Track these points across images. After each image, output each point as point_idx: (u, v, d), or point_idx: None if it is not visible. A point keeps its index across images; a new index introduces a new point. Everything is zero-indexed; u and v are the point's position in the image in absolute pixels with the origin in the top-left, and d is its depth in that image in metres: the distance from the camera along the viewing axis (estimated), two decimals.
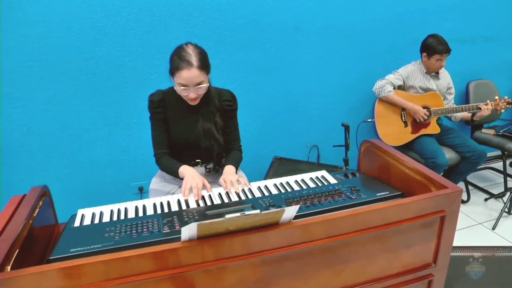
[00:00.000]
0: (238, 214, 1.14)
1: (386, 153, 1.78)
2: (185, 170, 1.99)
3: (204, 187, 1.82)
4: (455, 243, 1.66)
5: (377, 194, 1.58)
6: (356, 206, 1.51)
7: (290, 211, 1.22)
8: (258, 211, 1.16)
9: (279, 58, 3.36)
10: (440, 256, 1.53)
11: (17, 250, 1.23)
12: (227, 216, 1.13)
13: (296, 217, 1.30)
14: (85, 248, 1.31)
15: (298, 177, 1.89)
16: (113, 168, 3.22)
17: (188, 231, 1.15)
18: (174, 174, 2.06)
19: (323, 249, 1.34)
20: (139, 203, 1.70)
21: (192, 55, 1.88)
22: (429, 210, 1.43)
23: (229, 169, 2.04)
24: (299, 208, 1.44)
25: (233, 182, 1.84)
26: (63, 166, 3.11)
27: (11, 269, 1.16)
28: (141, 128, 3.12)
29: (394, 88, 3.37)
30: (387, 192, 1.59)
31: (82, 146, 3.10)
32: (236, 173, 2.08)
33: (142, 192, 3.29)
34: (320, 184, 1.78)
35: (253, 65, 3.28)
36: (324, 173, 1.91)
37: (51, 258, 1.28)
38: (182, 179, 1.97)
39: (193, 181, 1.81)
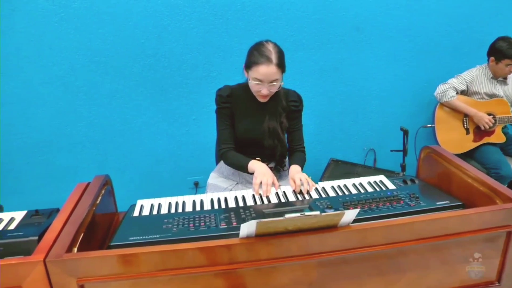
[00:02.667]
0: (298, 214, 1.13)
1: (447, 160, 1.72)
2: (255, 165, 1.99)
3: (272, 184, 1.83)
4: None
5: (437, 203, 1.54)
6: (414, 214, 1.48)
7: (349, 215, 1.20)
8: (317, 212, 1.15)
9: (340, 58, 3.32)
10: (505, 275, 1.45)
11: (82, 234, 1.30)
12: (287, 215, 1.13)
13: (353, 221, 1.28)
14: (144, 237, 1.36)
15: (356, 180, 1.87)
16: (170, 162, 3.31)
17: (247, 228, 1.16)
18: (242, 168, 2.06)
19: (380, 255, 1.31)
20: (197, 198, 1.74)
21: (272, 52, 1.90)
22: (494, 224, 1.36)
23: (296, 168, 2.03)
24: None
25: (307, 180, 1.83)
26: (122, 158, 3.24)
27: (77, 251, 1.23)
28: (199, 125, 3.19)
29: (457, 93, 3.24)
30: (448, 202, 1.54)
31: (141, 139, 3.20)
32: None
33: (197, 187, 3.36)
34: (378, 189, 1.75)
35: (313, 65, 3.27)
36: (382, 178, 1.87)
37: (111, 244, 1.34)
38: (250, 173, 1.98)
39: (263, 177, 1.82)
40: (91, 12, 2.87)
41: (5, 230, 1.50)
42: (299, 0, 3.09)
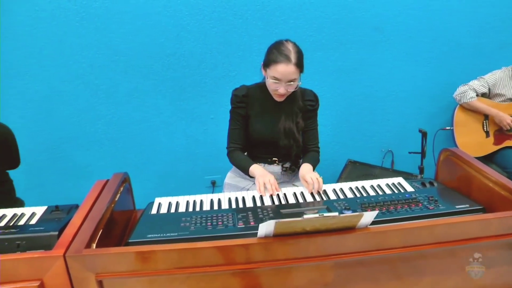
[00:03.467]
0: (316, 215, 1.13)
1: (467, 163, 1.69)
2: (256, 169, 2.01)
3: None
4: None
5: (457, 207, 1.51)
6: (433, 217, 1.46)
7: (368, 216, 1.20)
8: (336, 213, 1.15)
9: (358, 59, 3.30)
10: None
11: (101, 230, 1.32)
12: (305, 216, 1.13)
13: (371, 223, 1.27)
14: (162, 235, 1.37)
15: (374, 182, 1.85)
16: (188, 161, 3.33)
17: (266, 228, 1.16)
18: (244, 170, 2.08)
19: (397, 258, 1.30)
20: (214, 197, 1.74)
21: (291, 52, 1.90)
22: None
23: (307, 167, 2.02)
24: None
25: (318, 179, 1.81)
26: (140, 156, 3.27)
27: (96, 247, 1.25)
28: (217, 124, 3.20)
29: (476, 95, 3.19)
30: (467, 205, 1.52)
31: (159, 138, 3.23)
32: None
33: (214, 186, 3.37)
34: (396, 191, 1.74)
35: (332, 65, 3.25)
36: (400, 180, 1.85)
37: (129, 241, 1.36)
38: (251, 177, 2.00)
39: (265, 178, 1.83)
40: (111, 12, 2.91)
41: (26, 225, 1.54)
42: (318, 0, 3.08)
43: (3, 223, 1.59)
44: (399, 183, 1.82)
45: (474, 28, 3.40)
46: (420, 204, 1.54)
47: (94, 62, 3.01)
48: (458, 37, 3.40)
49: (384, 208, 1.52)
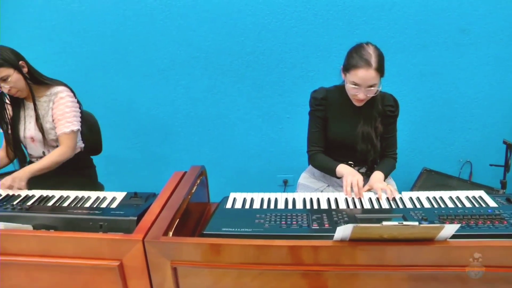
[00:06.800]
0: (396, 222, 1.11)
1: None
2: (344, 168, 1.98)
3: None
4: None
5: None
6: None
7: (449, 229, 1.15)
8: (416, 223, 1.12)
9: (441, 62, 3.15)
10: None
11: (177, 220, 1.38)
12: (384, 223, 1.11)
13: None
14: (236, 229, 1.40)
15: (453, 193, 1.77)
16: (261, 159, 3.37)
17: (343, 231, 1.15)
18: (330, 171, 2.05)
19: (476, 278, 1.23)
20: (289, 196, 1.75)
21: (372, 56, 1.85)
22: None
23: (377, 176, 1.97)
24: None
25: (384, 189, 1.78)
26: (215, 150, 3.36)
27: (172, 235, 1.30)
28: (293, 123, 3.22)
29: None
30: None
31: (235, 134, 3.30)
32: (385, 180, 2.00)
33: (286, 185, 3.39)
34: (477, 205, 1.64)
35: (412, 69, 3.14)
36: (482, 193, 1.75)
37: (204, 232, 1.40)
38: (338, 177, 1.98)
39: (353, 177, 1.80)
40: (194, 11, 3.01)
41: (108, 208, 1.67)
42: (401, 0, 2.99)
43: (88, 204, 1.74)
44: (480, 197, 1.72)
45: None
46: (505, 222, 1.44)
47: (175, 58, 3.14)
48: None
49: (464, 222, 1.44)
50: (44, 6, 3.09)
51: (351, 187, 1.78)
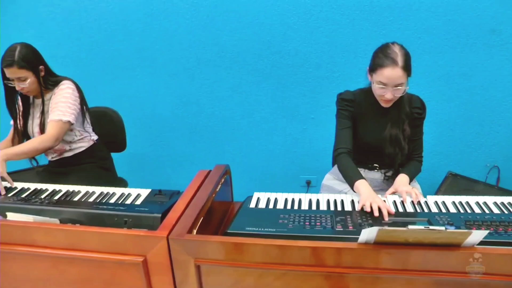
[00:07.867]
0: (422, 226, 1.09)
1: None
2: (362, 187, 1.77)
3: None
4: None
5: None
6: None
7: (477, 235, 1.12)
8: (443, 228, 1.10)
9: (469, 64, 3.08)
10: None
11: (202, 218, 1.39)
12: (410, 226, 1.10)
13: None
14: (260, 229, 1.41)
15: (480, 198, 1.73)
16: (285, 159, 3.37)
17: (368, 234, 1.15)
18: (350, 181, 1.90)
19: (502, 286, 1.20)
20: (313, 197, 1.75)
21: (398, 54, 1.82)
22: None
23: (402, 179, 1.93)
24: None
25: (409, 193, 1.75)
26: (239, 150, 3.37)
27: (196, 233, 1.32)
28: (317, 124, 3.21)
29: None
30: None
31: (259, 133, 3.31)
32: (410, 183, 1.97)
33: (309, 186, 3.38)
34: (506, 212, 1.61)
35: (440, 70, 3.09)
36: (511, 199, 1.71)
37: (228, 231, 1.41)
38: (353, 191, 1.87)
39: (372, 201, 1.62)
40: (220, 10, 3.03)
41: (133, 204, 1.70)
42: (429, 0, 2.94)
43: (113, 200, 1.77)
44: (509, 203, 1.69)
45: None
46: None
47: (201, 57, 3.17)
48: None
49: (492, 228, 1.41)
50: (73, 6, 3.17)
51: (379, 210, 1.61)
